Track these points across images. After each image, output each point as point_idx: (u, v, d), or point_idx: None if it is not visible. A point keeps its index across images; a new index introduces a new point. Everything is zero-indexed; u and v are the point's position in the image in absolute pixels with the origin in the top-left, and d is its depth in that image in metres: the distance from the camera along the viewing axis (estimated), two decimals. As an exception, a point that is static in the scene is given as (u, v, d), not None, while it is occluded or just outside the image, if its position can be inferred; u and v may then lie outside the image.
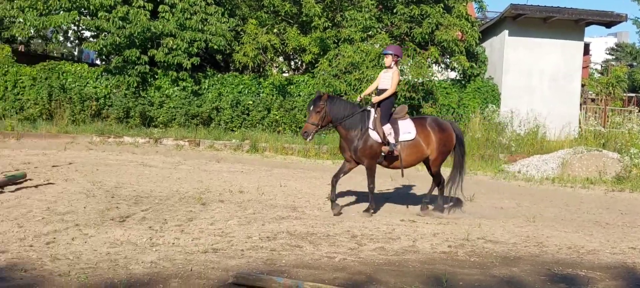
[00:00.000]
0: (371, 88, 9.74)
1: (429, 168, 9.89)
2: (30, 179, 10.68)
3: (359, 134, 9.10)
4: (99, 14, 19.74)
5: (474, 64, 22.40)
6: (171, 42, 20.06)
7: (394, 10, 21.70)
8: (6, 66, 20.72)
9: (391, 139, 9.11)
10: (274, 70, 22.35)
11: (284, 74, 22.79)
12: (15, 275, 5.36)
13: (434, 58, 21.37)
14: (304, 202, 10.21)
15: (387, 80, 9.40)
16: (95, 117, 20.13)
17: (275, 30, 21.99)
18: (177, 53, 20.21)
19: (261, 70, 22.29)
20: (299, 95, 21.08)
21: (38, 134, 17.90)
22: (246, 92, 21.10)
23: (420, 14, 21.21)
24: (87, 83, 20.69)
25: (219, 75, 21.46)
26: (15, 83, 20.43)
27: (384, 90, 9.32)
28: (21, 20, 21.00)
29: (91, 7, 19.90)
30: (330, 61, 20.55)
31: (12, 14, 21.24)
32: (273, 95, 20.93)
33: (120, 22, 19.54)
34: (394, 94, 9.46)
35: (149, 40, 20.40)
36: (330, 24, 21.61)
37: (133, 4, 19.94)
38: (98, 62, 29.14)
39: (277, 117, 20.61)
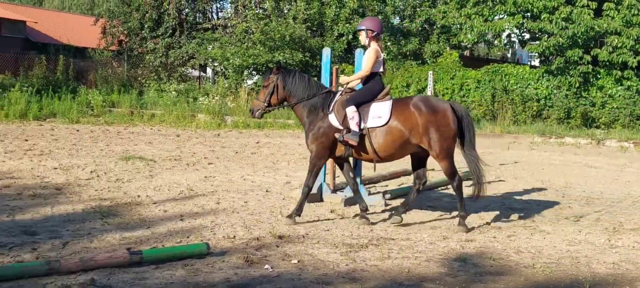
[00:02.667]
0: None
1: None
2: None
3: (316, 118, 7.39)
4: (542, 16, 20.01)
5: None
6: (616, 40, 19.25)
7: None
8: (454, 70, 22.45)
9: (352, 125, 7.15)
10: None
11: None
12: (485, 263, 5.91)
13: None
14: None
15: (363, 61, 7.59)
16: (536, 117, 20.47)
17: None
18: (621, 51, 19.33)
19: None
20: None
21: (482, 133, 18.98)
22: None
23: None
24: (529, 84, 21.13)
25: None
26: (462, 86, 21.99)
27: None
28: (468, 26, 22.51)
29: (534, 10, 20.27)
30: None
31: (460, 22, 22.89)
32: None
33: (563, 22, 19.51)
34: (372, 76, 7.47)
35: (591, 39, 19.91)
36: None
37: (576, 4, 19.70)
38: (536, 63, 29.43)
39: None
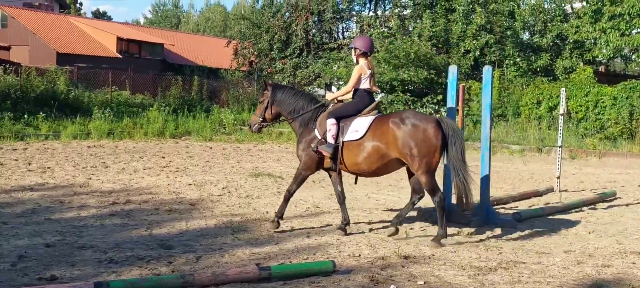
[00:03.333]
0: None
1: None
2: (619, 198, 10.88)
3: (305, 130, 7.79)
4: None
5: None
6: None
7: None
8: (588, 87, 21.45)
9: (328, 137, 7.46)
10: None
11: None
12: (624, 290, 5.60)
13: None
14: None
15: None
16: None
17: None
18: None
19: None
20: None
21: (620, 152, 17.99)
22: None
23: None
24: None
25: None
26: (597, 103, 20.95)
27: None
28: (603, 41, 21.46)
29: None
30: None
31: (594, 36, 21.88)
32: None
33: None
34: (358, 92, 7.72)
35: None
36: None
37: None
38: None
39: None
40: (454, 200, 8.58)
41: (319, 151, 7.54)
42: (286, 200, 7.78)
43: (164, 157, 14.78)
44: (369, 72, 7.76)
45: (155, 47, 42.23)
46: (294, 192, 7.84)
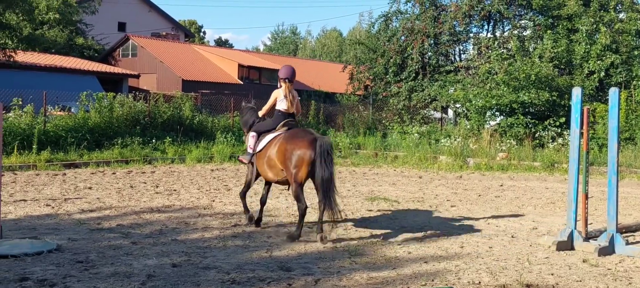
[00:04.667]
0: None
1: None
2: None
3: None
4: None
5: None
6: None
7: None
8: None
9: (248, 148, 9.18)
10: None
11: None
12: None
13: None
14: None
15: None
16: None
17: None
18: None
19: None
20: None
21: None
22: None
23: None
24: None
25: None
26: None
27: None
28: None
29: None
30: None
31: None
32: None
33: None
34: (274, 112, 9.32)
35: None
36: None
37: None
38: None
39: None
40: (580, 227, 8.25)
41: (240, 159, 9.52)
42: (242, 197, 9.56)
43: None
44: (283, 95, 9.12)
45: (274, 73, 43.39)
46: (243, 194, 9.58)
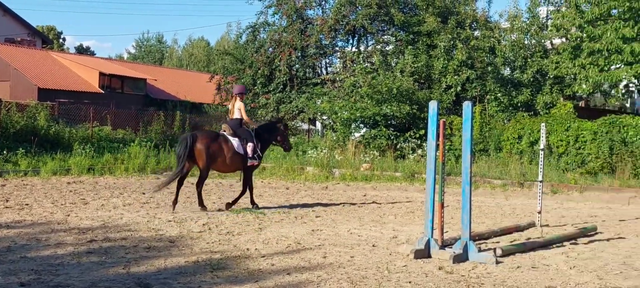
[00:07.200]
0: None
1: None
2: (600, 232, 10.91)
3: None
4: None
5: None
6: None
7: None
8: (568, 122, 21.65)
9: None
10: None
11: None
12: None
13: None
14: None
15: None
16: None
17: None
18: None
19: None
20: None
21: (600, 187, 18.09)
22: None
23: None
24: (651, 136, 20.02)
25: None
26: (577, 137, 21.13)
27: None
28: (582, 77, 21.73)
29: (654, 59, 19.34)
30: None
31: (574, 72, 22.15)
32: None
33: (686, 71, 18.45)
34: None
35: None
36: None
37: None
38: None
39: None
40: (436, 235, 8.56)
41: None
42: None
43: (144, 193, 14.66)
44: (236, 107, 12.53)
45: (137, 82, 42.20)
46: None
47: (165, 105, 36.93)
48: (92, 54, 70.22)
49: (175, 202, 11.83)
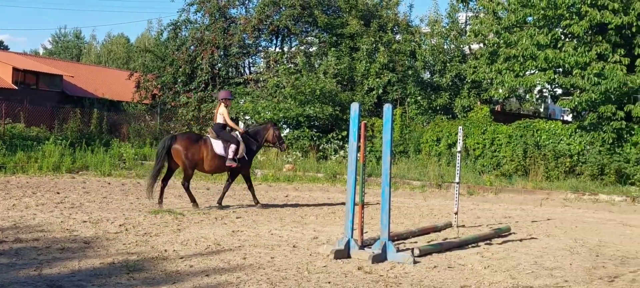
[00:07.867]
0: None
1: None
2: (514, 233, 11.28)
3: None
4: (574, 72, 19.87)
5: None
6: (654, 95, 19.00)
7: None
8: (485, 125, 22.32)
9: None
10: None
11: None
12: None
13: None
14: None
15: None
16: (569, 173, 20.16)
17: None
18: (657, 107, 19.00)
19: None
20: None
21: (514, 188, 18.73)
22: None
23: None
24: (561, 140, 20.90)
25: None
26: (493, 141, 21.82)
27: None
28: (499, 82, 22.43)
29: (566, 66, 20.14)
30: None
31: (490, 77, 22.85)
32: None
33: (595, 78, 19.33)
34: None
35: (625, 95, 19.68)
36: None
37: (609, 60, 19.53)
38: (568, 118, 29.18)
39: None
40: (356, 236, 8.63)
41: None
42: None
43: (58, 193, 14.17)
44: (219, 112, 12.98)
45: (53, 79, 40.83)
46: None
47: (82, 103, 35.86)
48: (6, 48, 67.35)
49: (160, 200, 12.54)
